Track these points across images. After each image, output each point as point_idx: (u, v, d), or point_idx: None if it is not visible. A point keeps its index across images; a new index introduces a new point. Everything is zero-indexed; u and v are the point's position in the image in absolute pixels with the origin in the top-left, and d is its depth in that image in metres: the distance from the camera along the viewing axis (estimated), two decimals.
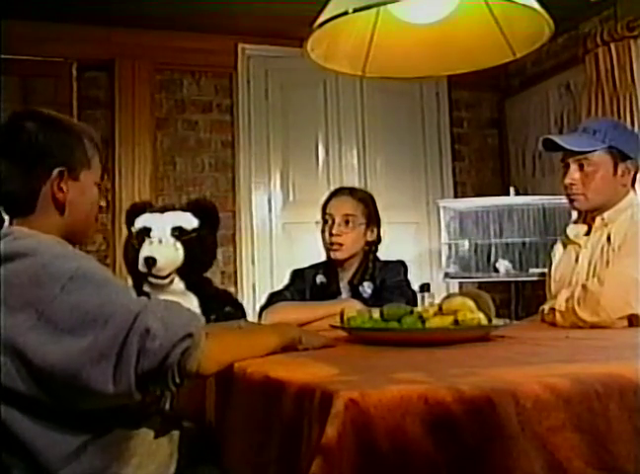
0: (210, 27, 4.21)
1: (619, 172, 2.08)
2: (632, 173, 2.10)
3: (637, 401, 1.04)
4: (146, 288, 2.32)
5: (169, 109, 4.41)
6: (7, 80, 3.87)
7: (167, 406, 1.50)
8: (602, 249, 2.07)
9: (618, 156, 2.08)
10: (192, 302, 2.32)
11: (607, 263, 2.02)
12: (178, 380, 1.20)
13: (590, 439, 1.00)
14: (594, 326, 1.88)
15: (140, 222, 2.40)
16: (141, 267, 2.29)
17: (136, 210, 2.47)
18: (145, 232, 2.36)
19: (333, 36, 1.84)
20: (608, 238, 2.05)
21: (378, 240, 2.56)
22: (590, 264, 2.09)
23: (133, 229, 2.40)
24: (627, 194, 2.11)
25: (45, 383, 1.18)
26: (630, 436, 1.02)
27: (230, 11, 4.00)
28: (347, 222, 2.47)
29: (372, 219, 2.51)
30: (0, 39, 3.61)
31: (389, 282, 2.44)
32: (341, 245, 2.46)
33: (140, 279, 2.31)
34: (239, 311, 2.44)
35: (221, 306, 2.36)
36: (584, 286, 1.93)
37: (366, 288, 2.45)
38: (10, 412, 1.20)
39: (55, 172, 1.35)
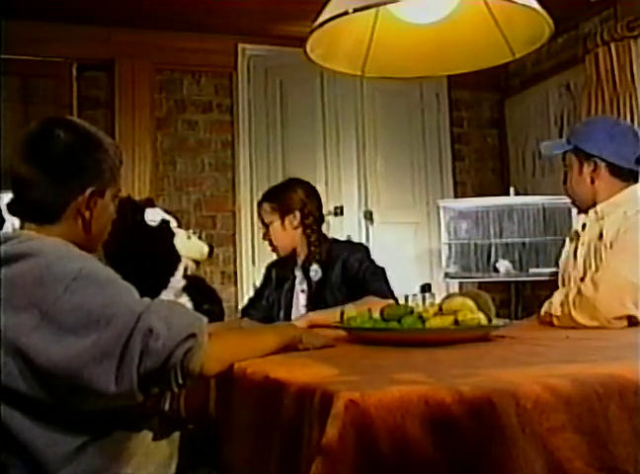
0: (210, 27, 4.21)
1: (585, 170, 2.11)
2: (603, 168, 2.09)
3: (637, 401, 1.04)
4: (178, 284, 2.34)
5: (169, 109, 4.42)
6: (7, 80, 3.88)
7: (166, 406, 1.50)
8: (595, 246, 2.07)
9: (582, 155, 2.12)
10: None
11: (600, 260, 2.02)
12: (181, 381, 1.20)
13: (590, 440, 1.00)
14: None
15: (157, 215, 2.41)
16: (204, 256, 2.42)
17: (141, 204, 2.48)
18: (167, 224, 2.40)
19: (333, 36, 1.84)
20: (601, 235, 2.05)
21: (317, 220, 2.59)
22: (584, 261, 2.10)
23: (154, 223, 2.39)
24: (621, 188, 2.10)
25: (48, 383, 1.18)
26: (630, 437, 1.02)
27: (230, 11, 4.00)
28: (267, 227, 2.58)
29: (286, 208, 2.56)
30: (0, 39, 3.61)
31: (364, 268, 2.48)
32: (275, 248, 2.60)
33: (168, 275, 2.33)
34: (215, 307, 2.47)
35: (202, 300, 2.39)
36: (579, 291, 1.93)
37: (314, 270, 2.53)
38: (10, 412, 1.20)
39: (88, 191, 1.35)
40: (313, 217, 2.57)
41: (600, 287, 1.88)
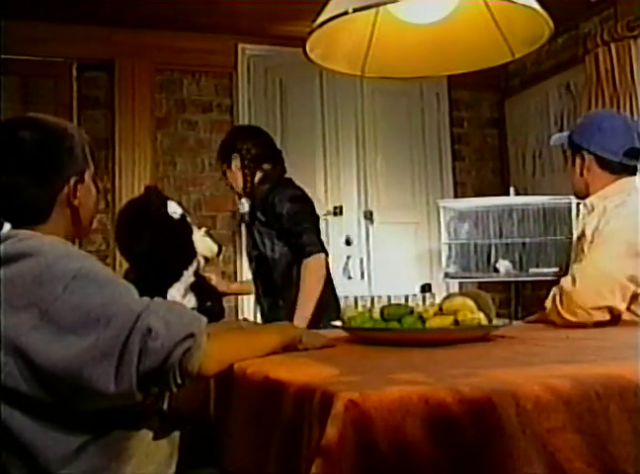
0: (210, 27, 4.21)
1: (577, 162, 2.16)
2: (592, 161, 2.11)
3: (637, 402, 1.04)
4: (189, 278, 2.36)
5: (169, 109, 4.42)
6: (7, 80, 3.88)
7: (165, 406, 1.50)
8: (580, 241, 2.10)
9: (575, 147, 2.17)
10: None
11: (583, 254, 2.04)
12: (179, 381, 1.20)
13: (590, 441, 1.00)
14: (576, 325, 1.89)
15: (177, 208, 2.44)
16: (214, 255, 2.50)
17: (162, 195, 2.53)
18: (186, 219, 2.45)
19: (332, 36, 1.83)
20: (584, 232, 2.07)
21: (256, 157, 2.76)
22: (574, 255, 2.14)
23: (176, 215, 2.41)
24: (612, 181, 2.11)
25: (47, 383, 1.18)
26: (630, 437, 1.02)
27: (230, 11, 4.00)
28: (225, 176, 2.87)
29: (228, 154, 2.81)
30: (0, 39, 3.61)
31: (288, 213, 2.64)
32: (233, 189, 2.87)
33: (182, 269, 2.36)
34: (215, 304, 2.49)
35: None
36: (560, 286, 1.95)
37: (241, 204, 2.89)
38: (10, 412, 1.20)
39: (72, 181, 1.37)
40: (251, 155, 2.76)
41: (578, 280, 1.91)
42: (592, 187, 2.14)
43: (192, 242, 2.40)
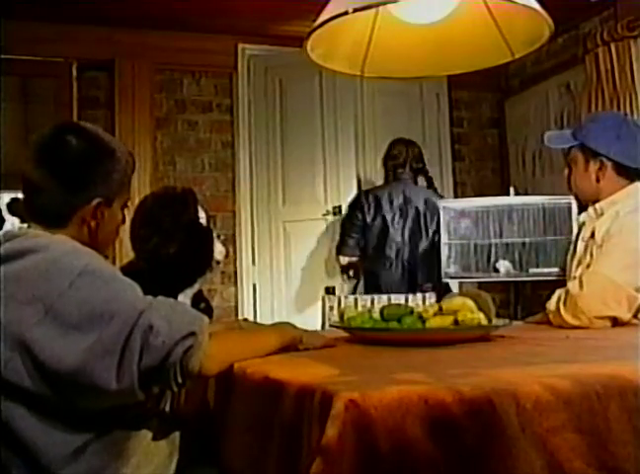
0: (210, 27, 4.21)
1: (591, 168, 2.09)
2: (609, 167, 2.07)
3: (637, 401, 1.04)
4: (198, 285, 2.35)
5: (169, 109, 4.42)
6: (7, 80, 3.88)
7: (167, 407, 1.50)
8: (588, 245, 2.07)
9: (589, 152, 2.09)
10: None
11: (592, 259, 2.02)
12: (180, 379, 1.20)
13: (590, 440, 1.00)
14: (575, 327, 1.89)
15: (202, 212, 2.41)
16: (223, 258, 2.44)
17: (197, 200, 2.47)
18: (210, 226, 2.41)
19: (332, 36, 1.83)
20: (593, 234, 2.05)
21: None
22: (579, 259, 2.11)
23: (203, 221, 2.39)
24: (623, 187, 2.08)
25: (51, 379, 1.19)
26: (630, 437, 1.02)
27: (230, 11, 4.00)
28: None
29: None
30: (0, 40, 3.61)
31: None
32: None
33: (197, 276, 2.35)
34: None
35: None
36: (567, 289, 1.94)
37: None
38: (12, 411, 1.20)
39: (95, 202, 1.36)
40: None
41: (585, 286, 1.89)
42: (604, 192, 2.09)
43: (212, 251, 2.36)
